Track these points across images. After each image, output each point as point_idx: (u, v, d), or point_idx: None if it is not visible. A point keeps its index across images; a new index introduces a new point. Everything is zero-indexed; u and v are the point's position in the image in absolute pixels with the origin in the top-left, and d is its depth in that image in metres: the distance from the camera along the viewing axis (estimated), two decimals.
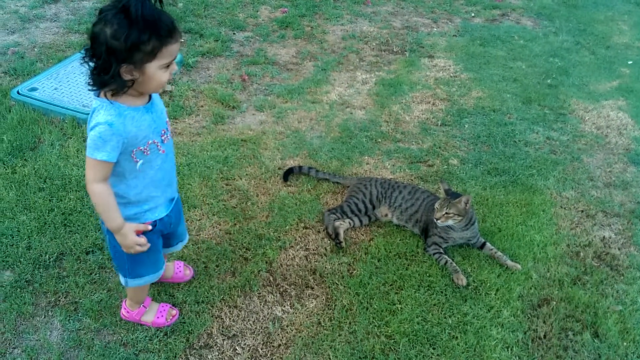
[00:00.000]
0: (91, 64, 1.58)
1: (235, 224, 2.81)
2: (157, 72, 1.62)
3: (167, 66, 1.64)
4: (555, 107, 4.04)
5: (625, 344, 2.35)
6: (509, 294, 2.53)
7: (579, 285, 2.62)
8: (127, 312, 2.25)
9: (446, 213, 2.64)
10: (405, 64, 4.58)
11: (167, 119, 1.87)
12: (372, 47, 4.88)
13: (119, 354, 2.13)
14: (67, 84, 3.77)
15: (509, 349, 2.30)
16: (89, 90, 1.65)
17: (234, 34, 4.91)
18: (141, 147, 1.73)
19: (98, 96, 1.67)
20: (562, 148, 3.60)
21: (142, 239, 1.84)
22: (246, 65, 4.41)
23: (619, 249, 2.85)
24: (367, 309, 2.43)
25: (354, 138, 3.60)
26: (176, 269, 2.45)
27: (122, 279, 2.06)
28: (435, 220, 2.68)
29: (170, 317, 2.27)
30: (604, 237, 2.92)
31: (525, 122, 3.85)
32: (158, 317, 2.25)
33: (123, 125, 1.65)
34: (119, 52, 1.52)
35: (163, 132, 1.81)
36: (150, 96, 1.77)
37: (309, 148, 3.44)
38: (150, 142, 1.75)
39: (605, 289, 2.61)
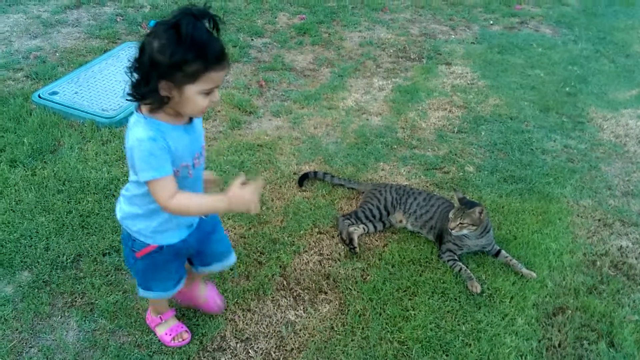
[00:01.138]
0: (135, 75, 1.56)
1: (250, 228, 2.83)
2: (195, 96, 1.57)
3: (208, 93, 1.58)
4: (574, 115, 4.01)
5: None
6: (523, 302, 2.51)
7: (595, 294, 2.60)
8: (148, 316, 2.27)
9: (460, 223, 2.63)
10: (422, 71, 4.57)
11: (204, 143, 1.81)
12: (389, 54, 4.89)
13: (133, 355, 2.15)
14: (88, 88, 3.83)
15: (523, 357, 2.28)
16: (127, 100, 1.62)
17: (252, 40, 4.96)
18: (174, 168, 1.66)
19: (136, 111, 1.63)
20: (580, 156, 3.57)
21: (252, 186, 1.64)
22: (263, 71, 4.44)
23: (636, 258, 2.82)
24: (380, 314, 2.43)
25: (369, 144, 3.60)
26: (209, 299, 2.33)
27: (137, 287, 2.05)
28: (449, 229, 2.67)
29: (180, 340, 2.21)
30: (621, 246, 2.89)
31: (542, 130, 3.82)
32: (166, 334, 2.22)
33: (164, 140, 1.60)
34: (161, 66, 1.50)
35: (197, 155, 1.75)
36: (190, 117, 1.71)
37: (325, 154, 3.45)
38: (183, 164, 1.69)
39: (621, 298, 2.58)
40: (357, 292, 2.53)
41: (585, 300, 2.55)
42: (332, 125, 3.78)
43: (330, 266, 2.66)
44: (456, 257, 2.71)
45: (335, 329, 2.36)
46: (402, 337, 2.33)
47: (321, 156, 3.43)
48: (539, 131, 3.80)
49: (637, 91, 4.40)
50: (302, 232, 2.82)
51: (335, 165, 3.35)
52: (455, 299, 2.52)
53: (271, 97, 4.09)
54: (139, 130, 1.58)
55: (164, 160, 1.60)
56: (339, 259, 2.71)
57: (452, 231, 2.65)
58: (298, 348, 2.26)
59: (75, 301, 2.37)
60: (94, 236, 2.67)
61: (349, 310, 2.44)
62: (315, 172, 3.22)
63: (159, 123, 1.61)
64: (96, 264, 2.53)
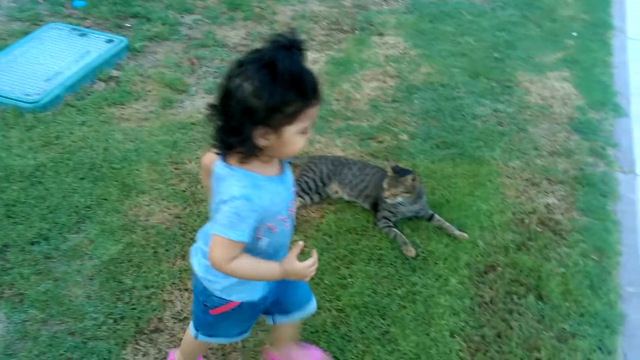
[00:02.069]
0: (219, 122, 1.38)
1: (185, 208, 2.79)
2: (294, 137, 1.38)
3: (304, 131, 1.40)
4: (502, 80, 4.11)
5: (567, 304, 2.44)
6: (456, 262, 2.59)
7: (524, 250, 2.70)
8: (172, 356, 2.06)
9: (394, 191, 2.67)
10: (355, 43, 4.58)
11: (294, 188, 1.64)
12: (322, 27, 4.86)
13: (66, 343, 2.11)
14: (9, 72, 3.65)
15: (457, 315, 2.36)
16: (215, 153, 1.44)
17: (182, 16, 4.82)
18: (269, 224, 1.49)
19: (224, 161, 1.44)
20: (509, 119, 3.67)
21: (310, 260, 1.59)
22: (195, 49, 4.34)
23: (562, 214, 2.94)
24: (318, 284, 2.45)
25: None
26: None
27: (192, 329, 1.81)
28: (384, 198, 2.71)
29: None
30: (548, 203, 3.01)
31: (473, 95, 3.91)
32: None
33: (259, 198, 1.41)
34: (257, 112, 1.31)
35: (291, 203, 1.58)
36: (281, 163, 1.54)
37: None
38: (279, 218, 1.51)
39: (548, 253, 2.69)
40: None
41: (515, 257, 2.65)
42: None
43: None
44: (391, 224, 2.76)
45: None
46: (341, 305, 2.37)
47: None
48: (469, 97, 3.88)
49: (562, 54, 4.54)
50: None
51: None
52: (391, 264, 2.58)
53: (203, 75, 4.01)
54: (235, 186, 1.40)
55: (247, 225, 1.42)
56: None
57: (387, 200, 2.70)
58: None
59: (3, 293, 2.30)
60: (20, 225, 2.58)
61: None
62: None
63: (254, 177, 1.42)
64: (24, 254, 2.45)
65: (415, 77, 4.11)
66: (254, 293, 1.66)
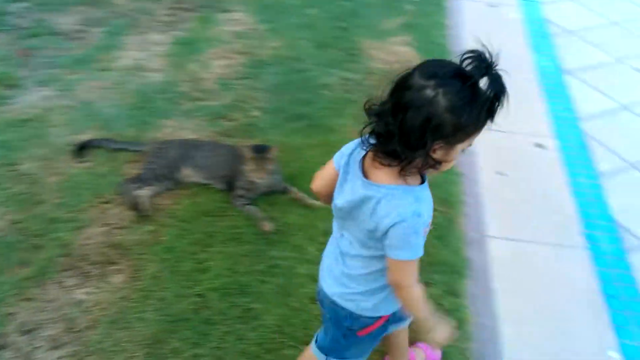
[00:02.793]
0: (387, 128, 1.27)
1: (23, 212, 2.59)
2: (459, 153, 1.31)
3: (467, 147, 1.33)
4: (348, 48, 4.20)
5: None
6: (313, 231, 2.64)
7: None
8: None
9: (265, 169, 2.66)
10: (201, 21, 4.45)
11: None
12: (165, 6, 4.67)
13: None
14: None
15: (316, 282, 2.40)
16: (380, 162, 1.32)
17: (8, 5, 4.42)
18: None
19: (367, 178, 1.37)
20: (356, 87, 3.78)
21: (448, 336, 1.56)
22: (25, 39, 4.00)
23: None
24: (175, 272, 2.40)
25: (151, 102, 3.46)
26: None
27: (319, 356, 1.76)
28: (257, 181, 2.69)
29: None
30: None
31: (320, 66, 3.96)
32: None
33: (426, 210, 1.35)
34: (444, 127, 1.22)
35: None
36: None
37: (102, 119, 3.24)
38: (426, 229, 1.40)
39: None
40: (151, 255, 2.47)
41: None
42: (108, 87, 3.55)
43: (119, 235, 2.55)
44: (248, 202, 2.75)
45: (130, 297, 2.28)
46: (200, 290, 2.33)
47: (98, 122, 3.22)
48: (317, 68, 3.94)
49: (403, 19, 4.72)
50: (83, 205, 2.65)
51: (115, 130, 3.17)
52: (250, 242, 2.58)
53: (36, 67, 3.71)
54: (402, 206, 1.32)
55: (422, 239, 1.36)
56: (128, 226, 2.60)
57: (261, 180, 2.68)
58: (91, 326, 2.16)
59: None
60: None
61: (143, 275, 2.38)
62: (93, 140, 3.01)
63: (413, 189, 1.34)
64: None
65: (263, 52, 4.09)
66: (395, 302, 1.58)
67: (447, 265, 2.55)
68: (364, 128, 1.35)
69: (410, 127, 1.23)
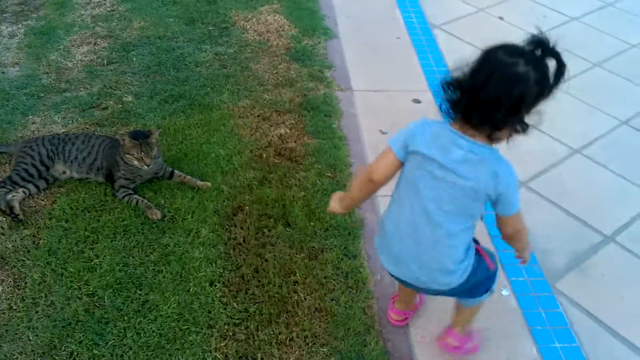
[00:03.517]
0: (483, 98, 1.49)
1: None
2: None
3: None
4: (218, 22, 4.10)
5: (312, 224, 2.60)
6: (204, 213, 2.59)
7: (266, 184, 2.79)
8: (455, 338, 2.09)
9: (151, 154, 2.56)
10: (56, 7, 4.14)
11: None
12: None
13: None
14: None
15: (213, 264, 2.38)
16: (481, 128, 1.55)
17: None
18: None
19: (472, 141, 1.58)
20: (231, 60, 3.70)
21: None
22: None
23: (294, 141, 3.09)
24: (62, 275, 2.27)
25: (11, 99, 3.19)
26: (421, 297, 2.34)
27: (473, 301, 1.96)
28: (141, 168, 2.57)
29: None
30: (280, 134, 3.13)
31: (192, 43, 3.84)
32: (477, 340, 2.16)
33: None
34: (529, 98, 1.48)
35: None
36: None
37: None
38: None
39: (288, 180, 2.82)
40: (32, 261, 2.31)
41: (259, 193, 2.73)
42: None
43: None
44: (131, 191, 2.64)
45: (15, 307, 2.15)
46: (91, 289, 2.23)
47: None
48: (189, 45, 3.81)
49: None
50: None
51: None
52: (139, 232, 2.48)
53: None
54: (505, 164, 1.60)
55: None
56: (2, 233, 2.41)
57: (149, 167, 2.57)
58: None
59: None
60: None
61: (26, 283, 2.23)
62: None
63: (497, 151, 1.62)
64: None
65: (128, 33, 3.89)
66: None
67: (341, 228, 2.60)
68: (447, 102, 1.61)
69: (504, 97, 1.46)
